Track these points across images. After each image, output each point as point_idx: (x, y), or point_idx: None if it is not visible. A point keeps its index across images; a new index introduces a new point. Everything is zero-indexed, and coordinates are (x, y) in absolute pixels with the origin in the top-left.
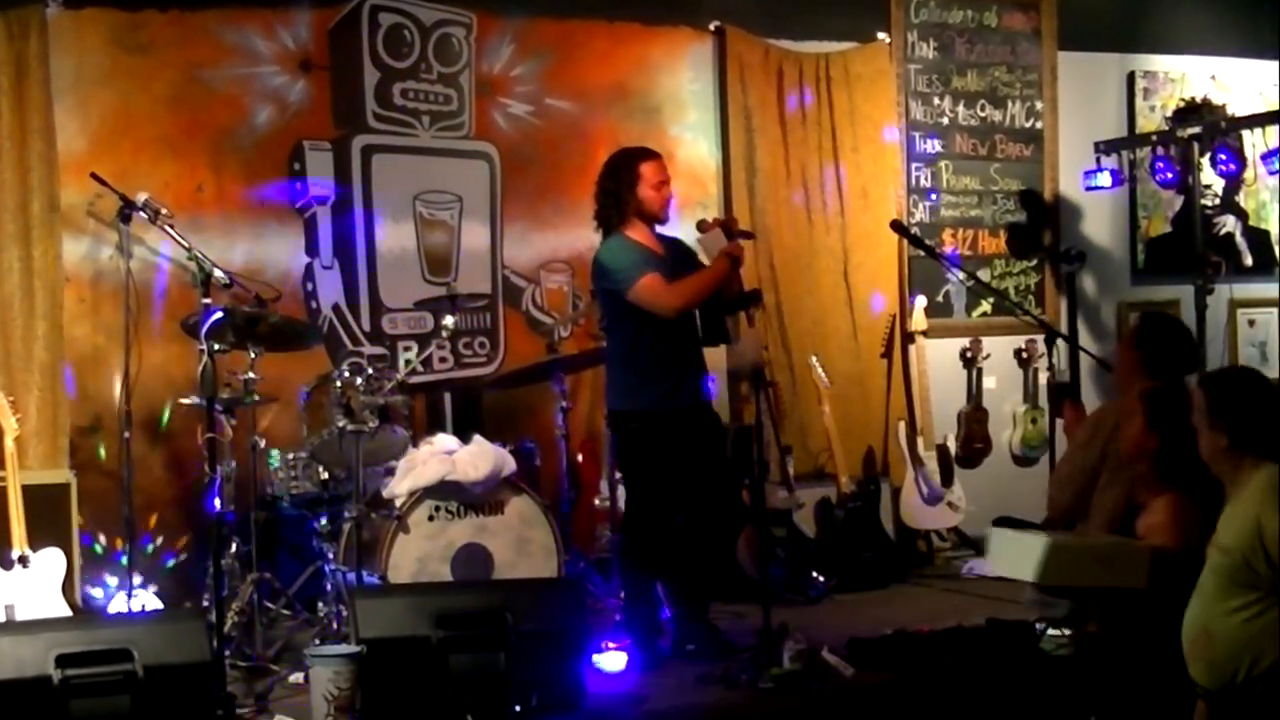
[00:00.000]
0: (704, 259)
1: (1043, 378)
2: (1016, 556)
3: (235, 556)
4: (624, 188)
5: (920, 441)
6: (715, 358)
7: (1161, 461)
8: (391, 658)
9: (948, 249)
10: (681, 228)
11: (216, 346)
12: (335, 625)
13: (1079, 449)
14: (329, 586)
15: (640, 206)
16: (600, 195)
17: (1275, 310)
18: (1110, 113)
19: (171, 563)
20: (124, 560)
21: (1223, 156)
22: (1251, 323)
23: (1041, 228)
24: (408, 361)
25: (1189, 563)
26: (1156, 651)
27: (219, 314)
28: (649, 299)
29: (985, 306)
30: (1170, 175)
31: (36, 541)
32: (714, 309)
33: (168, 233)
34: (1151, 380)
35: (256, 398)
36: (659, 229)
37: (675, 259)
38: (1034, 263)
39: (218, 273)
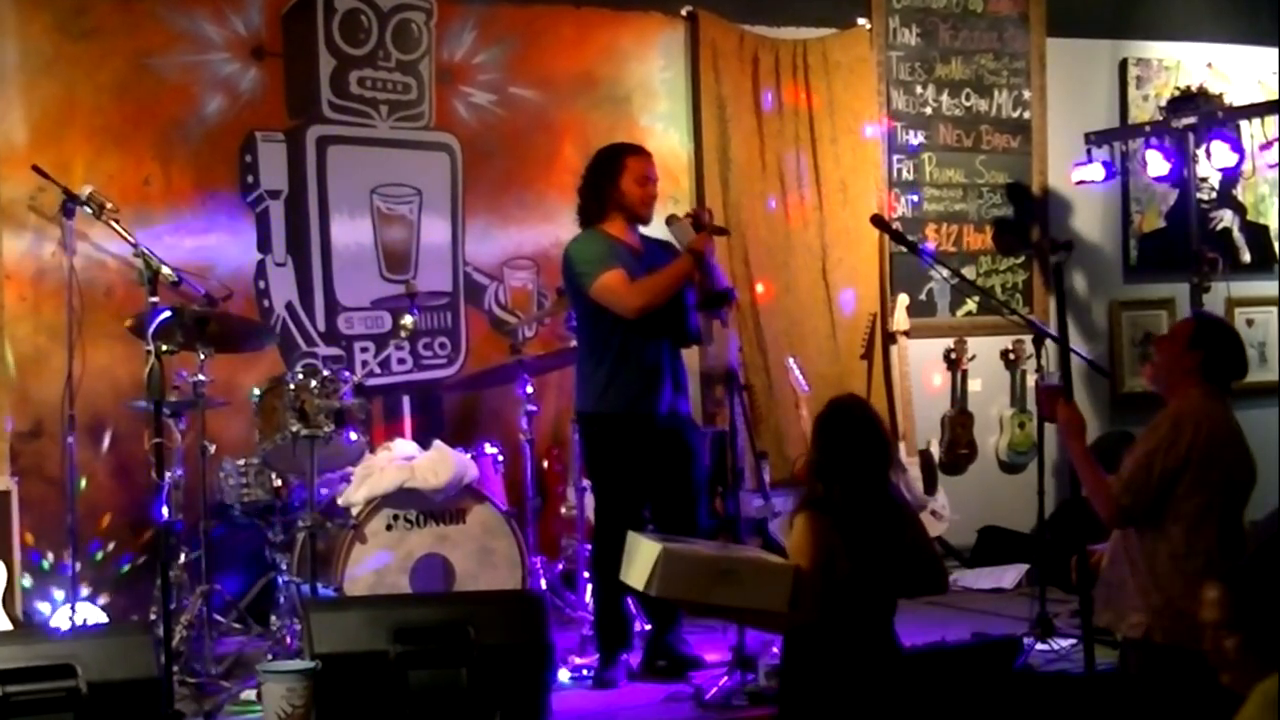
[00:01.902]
0: None
1: (1031, 380)
2: (638, 563)
3: (184, 567)
4: (606, 180)
5: (902, 447)
6: (688, 360)
7: (815, 478)
8: (347, 674)
9: (930, 244)
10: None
11: (164, 347)
12: (288, 640)
13: (1159, 453)
14: (282, 599)
15: (622, 200)
16: (582, 188)
17: (1275, 310)
18: (1101, 102)
19: (117, 574)
20: (68, 571)
21: (1220, 148)
22: (1250, 323)
23: (1029, 223)
24: (364, 363)
25: (845, 590)
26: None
27: (167, 313)
28: (608, 297)
29: (970, 305)
30: (1165, 168)
31: None
32: (684, 309)
33: (113, 228)
34: (1206, 384)
35: (206, 401)
36: (648, 231)
37: (656, 262)
38: (1021, 259)
39: (165, 270)
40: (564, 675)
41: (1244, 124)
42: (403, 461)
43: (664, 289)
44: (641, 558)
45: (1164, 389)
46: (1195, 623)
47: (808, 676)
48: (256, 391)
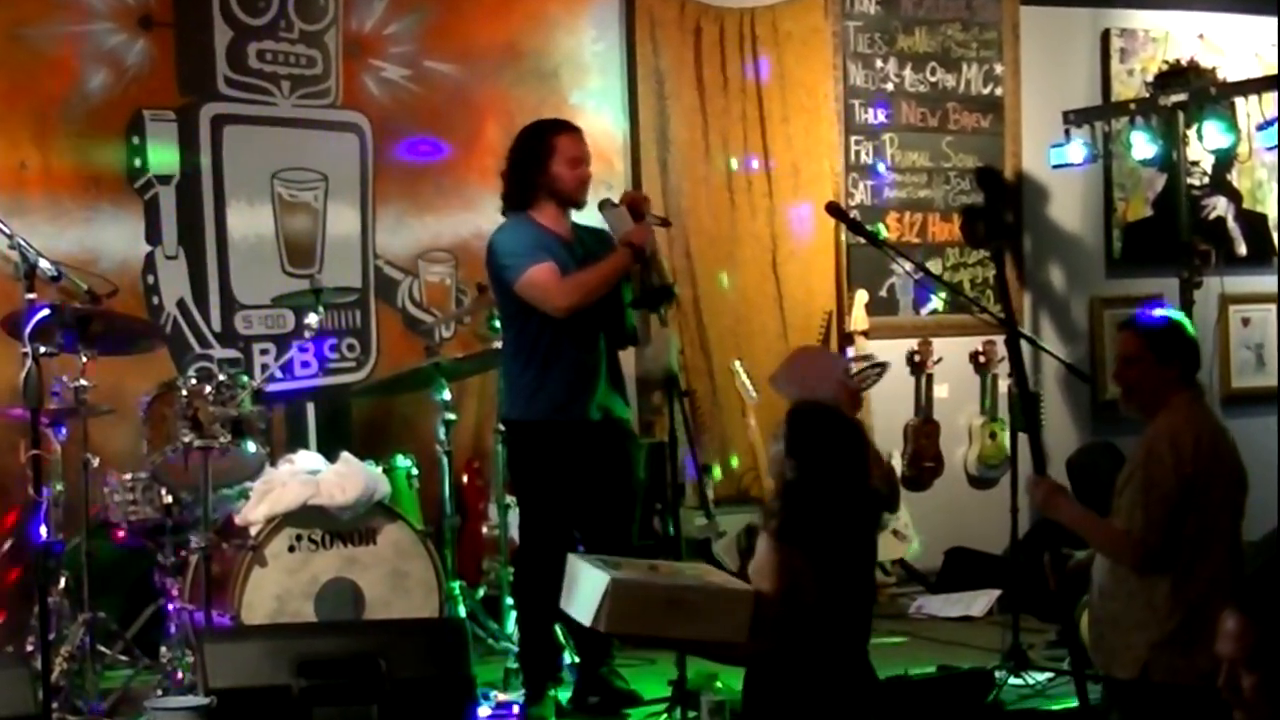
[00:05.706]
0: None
1: (1003, 385)
2: (582, 594)
3: (64, 593)
4: (533, 163)
5: None
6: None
7: (790, 496)
8: (246, 711)
9: (893, 235)
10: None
11: (43, 349)
12: (180, 673)
13: (1169, 481)
14: (173, 628)
15: (552, 185)
16: (507, 171)
17: (1274, 307)
18: (1081, 77)
19: None
20: None
21: (1212, 128)
22: (1246, 321)
23: (1001, 211)
24: (264, 367)
25: (814, 618)
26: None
27: (45, 311)
28: (535, 293)
29: (936, 303)
30: (1151, 150)
31: None
32: (620, 306)
33: None
34: (1188, 389)
35: (88, 408)
36: (585, 220)
37: (590, 253)
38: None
39: (43, 263)
40: (485, 712)
41: (1239, 101)
42: (307, 476)
43: (597, 286)
44: (586, 588)
45: (1149, 411)
46: (1197, 658)
47: (774, 711)
48: (145, 398)
